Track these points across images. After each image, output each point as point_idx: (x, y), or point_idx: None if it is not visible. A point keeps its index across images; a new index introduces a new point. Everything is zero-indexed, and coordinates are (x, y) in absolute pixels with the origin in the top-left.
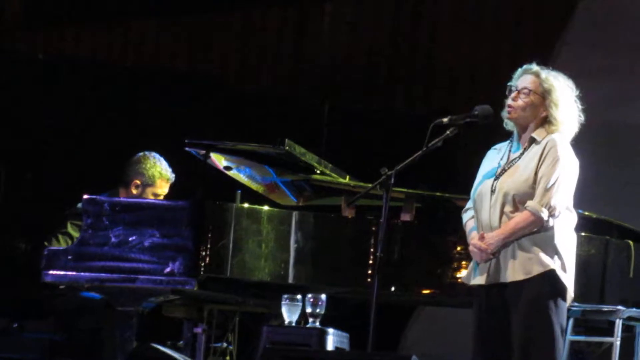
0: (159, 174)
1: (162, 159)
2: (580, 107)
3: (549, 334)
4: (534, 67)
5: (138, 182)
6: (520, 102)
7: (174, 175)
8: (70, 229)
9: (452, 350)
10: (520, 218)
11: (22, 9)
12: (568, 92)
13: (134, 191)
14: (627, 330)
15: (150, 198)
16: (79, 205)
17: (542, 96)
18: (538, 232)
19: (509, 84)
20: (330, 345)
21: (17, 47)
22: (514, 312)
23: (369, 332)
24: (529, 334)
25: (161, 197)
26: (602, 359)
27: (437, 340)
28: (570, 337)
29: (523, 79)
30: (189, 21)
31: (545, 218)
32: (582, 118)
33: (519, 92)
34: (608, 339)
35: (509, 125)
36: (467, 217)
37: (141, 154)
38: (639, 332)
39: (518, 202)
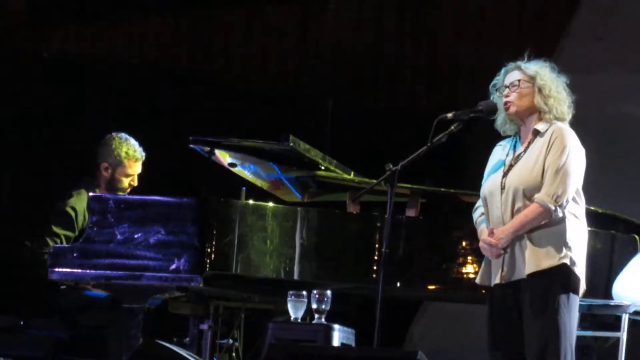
0: (126, 154)
1: (130, 138)
2: (567, 89)
3: (562, 330)
4: (512, 64)
5: (106, 164)
6: (514, 94)
7: (144, 154)
8: (55, 228)
9: (458, 345)
10: (528, 210)
11: (25, 7)
12: (553, 75)
13: (105, 174)
14: (634, 324)
15: (122, 179)
16: (58, 203)
17: (531, 82)
18: (548, 224)
19: (497, 85)
20: (336, 342)
21: (20, 45)
22: (527, 309)
23: (374, 328)
24: (543, 332)
25: (134, 177)
26: (608, 353)
27: (443, 336)
28: (576, 332)
29: (508, 77)
30: (191, 19)
31: (553, 208)
32: (573, 97)
33: (508, 88)
34: (615, 334)
35: (508, 130)
36: (477, 214)
37: (108, 135)
38: None
39: (529, 196)
